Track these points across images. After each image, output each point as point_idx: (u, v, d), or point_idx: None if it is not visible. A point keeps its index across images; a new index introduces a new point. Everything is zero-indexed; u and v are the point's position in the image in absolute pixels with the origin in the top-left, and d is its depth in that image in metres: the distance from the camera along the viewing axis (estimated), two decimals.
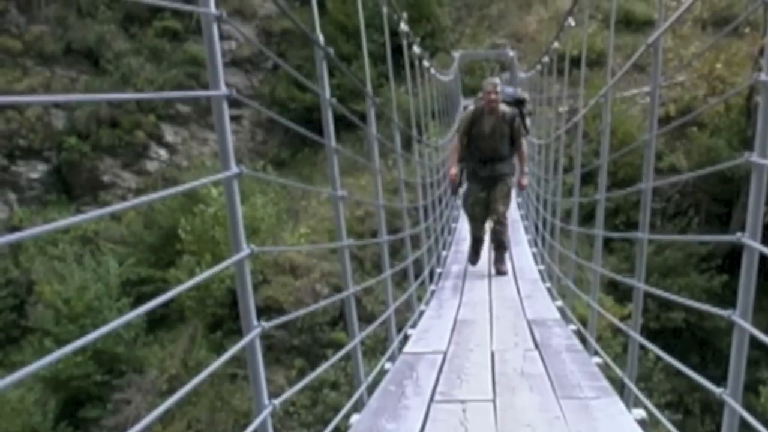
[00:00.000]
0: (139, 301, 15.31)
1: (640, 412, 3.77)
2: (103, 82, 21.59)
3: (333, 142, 3.98)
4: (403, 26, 7.83)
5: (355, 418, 3.79)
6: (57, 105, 21.56)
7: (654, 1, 20.65)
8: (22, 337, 17.30)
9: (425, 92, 11.49)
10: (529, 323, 5.84)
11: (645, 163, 3.87)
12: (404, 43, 8.30)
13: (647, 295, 4.01)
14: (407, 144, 9.33)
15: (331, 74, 4.17)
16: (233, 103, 2.56)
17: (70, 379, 15.14)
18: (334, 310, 14.19)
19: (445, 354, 4.95)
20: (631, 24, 20.65)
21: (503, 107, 7.87)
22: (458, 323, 5.96)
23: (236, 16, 22.44)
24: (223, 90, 2.45)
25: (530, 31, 23.35)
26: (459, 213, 11.49)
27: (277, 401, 2.64)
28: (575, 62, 8.77)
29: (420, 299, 6.78)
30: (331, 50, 4.02)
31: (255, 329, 2.56)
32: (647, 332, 4.38)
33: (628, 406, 3.80)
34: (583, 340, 5.13)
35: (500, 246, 8.06)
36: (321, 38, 3.93)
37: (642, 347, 3.93)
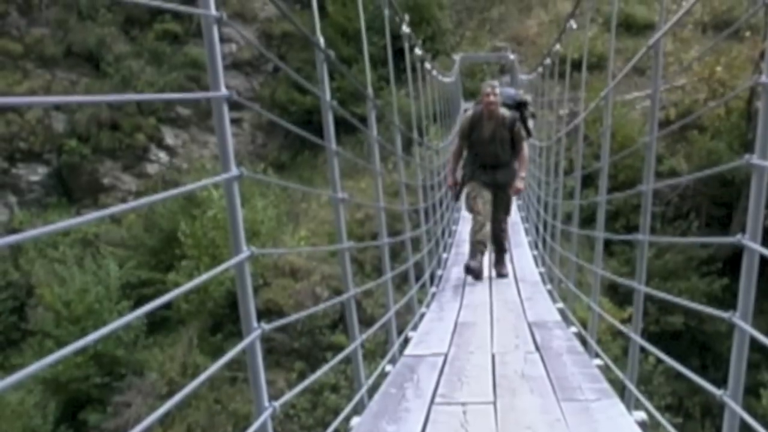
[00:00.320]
0: (140, 303, 15.22)
1: (641, 415, 3.77)
2: (103, 84, 21.58)
3: (333, 145, 3.98)
4: (405, 28, 7.82)
5: (355, 420, 3.79)
6: (57, 107, 21.56)
7: (655, 4, 20.68)
8: (22, 339, 17.30)
9: (426, 95, 11.50)
10: (529, 325, 5.84)
11: (645, 166, 3.87)
12: (406, 45, 8.30)
13: (647, 299, 4.01)
14: (408, 146, 9.34)
15: (331, 77, 4.17)
16: (233, 106, 2.56)
17: (70, 381, 15.15)
18: (334, 313, 14.19)
19: (445, 356, 4.94)
20: (632, 28, 20.67)
21: (503, 111, 7.68)
22: (459, 326, 5.95)
23: (237, 18, 22.44)
24: (224, 92, 2.45)
25: (531, 34, 23.38)
26: (459, 215, 11.50)
27: (277, 404, 2.64)
28: (576, 65, 8.80)
29: (420, 302, 6.77)
30: (331, 53, 4.02)
31: (255, 331, 2.56)
32: (647, 336, 4.38)
33: (628, 408, 3.80)
34: (584, 343, 5.13)
35: (500, 248, 8.02)
36: (321, 41, 3.93)
37: (642, 350, 3.94)
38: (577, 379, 4.27)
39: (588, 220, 9.31)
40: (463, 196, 8.14)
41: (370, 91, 5.28)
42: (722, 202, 16.72)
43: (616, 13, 5.58)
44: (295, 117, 19.75)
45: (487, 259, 7.97)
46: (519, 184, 7.79)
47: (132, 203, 3.98)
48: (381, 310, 12.41)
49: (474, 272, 7.71)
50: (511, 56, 21.56)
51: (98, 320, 15.22)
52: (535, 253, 9.29)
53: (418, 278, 6.90)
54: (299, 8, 19.00)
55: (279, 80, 22.59)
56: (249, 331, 2.56)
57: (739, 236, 2.48)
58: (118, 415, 15.04)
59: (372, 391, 4.18)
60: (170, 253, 16.77)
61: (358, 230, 15.45)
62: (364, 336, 4.26)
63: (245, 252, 2.52)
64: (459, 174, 7.97)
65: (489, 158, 7.71)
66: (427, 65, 11.06)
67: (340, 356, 3.96)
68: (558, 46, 9.06)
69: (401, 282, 7.64)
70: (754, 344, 2.48)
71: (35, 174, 21.31)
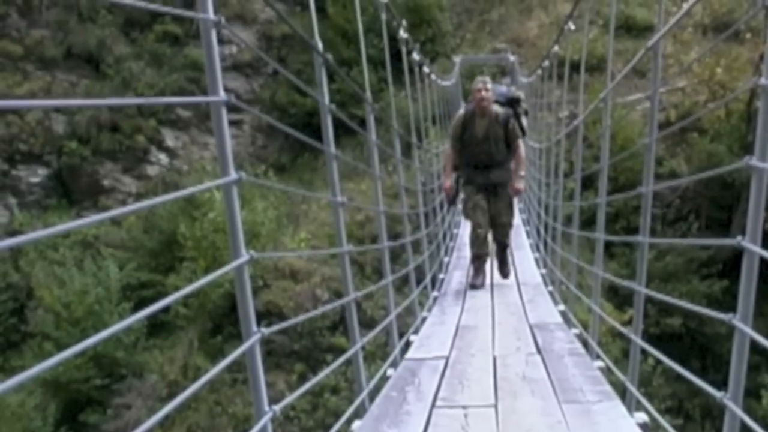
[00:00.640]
0: (140, 305, 15.30)
1: (642, 416, 3.77)
2: (103, 86, 21.60)
3: (332, 149, 3.96)
4: (402, 33, 7.77)
5: (356, 424, 3.79)
6: (57, 109, 21.55)
7: (655, 6, 20.67)
8: (22, 341, 17.29)
9: (425, 98, 11.49)
10: (531, 328, 5.83)
11: (645, 167, 3.87)
12: (403, 50, 8.26)
13: (647, 301, 4.01)
14: (408, 149, 9.33)
15: (331, 79, 4.16)
16: (234, 108, 2.55)
17: (70, 383, 15.14)
18: (334, 315, 14.18)
19: (447, 359, 4.94)
20: (632, 29, 20.66)
21: (496, 108, 7.41)
22: (460, 329, 5.94)
23: (237, 20, 22.46)
24: (222, 96, 2.45)
25: (531, 36, 23.37)
26: (460, 219, 11.48)
27: (277, 407, 2.63)
28: (575, 67, 8.78)
29: (422, 305, 6.76)
30: (330, 56, 4.01)
31: (254, 336, 2.55)
32: (647, 338, 4.37)
33: (629, 410, 3.80)
34: (585, 345, 5.13)
35: (503, 248, 7.86)
36: (320, 44, 3.92)
37: (642, 352, 3.93)
38: (579, 381, 4.27)
39: (588, 221, 9.30)
40: (459, 201, 7.96)
41: (368, 94, 5.26)
42: (722, 204, 16.71)
43: (615, 14, 5.58)
44: (296, 119, 19.75)
45: (489, 266, 7.90)
46: (518, 184, 7.46)
47: (132, 206, 3.99)
48: (381, 311, 12.42)
49: (479, 288, 7.61)
50: (512, 58, 21.54)
51: (98, 322, 15.23)
52: (537, 255, 9.28)
53: (419, 281, 6.88)
54: (300, 10, 19.03)
55: (279, 82, 22.59)
56: (248, 335, 2.55)
57: (739, 238, 2.48)
58: (119, 417, 15.04)
59: (373, 394, 4.17)
60: (170, 255, 16.77)
61: (358, 232, 15.46)
62: (365, 339, 4.25)
63: (244, 256, 2.52)
64: (454, 177, 7.68)
65: (483, 158, 7.39)
66: (426, 69, 11.05)
67: (341, 360, 3.96)
68: (557, 48, 9.05)
69: (402, 284, 7.64)
70: (755, 346, 2.48)
71: (35, 176, 21.30)
